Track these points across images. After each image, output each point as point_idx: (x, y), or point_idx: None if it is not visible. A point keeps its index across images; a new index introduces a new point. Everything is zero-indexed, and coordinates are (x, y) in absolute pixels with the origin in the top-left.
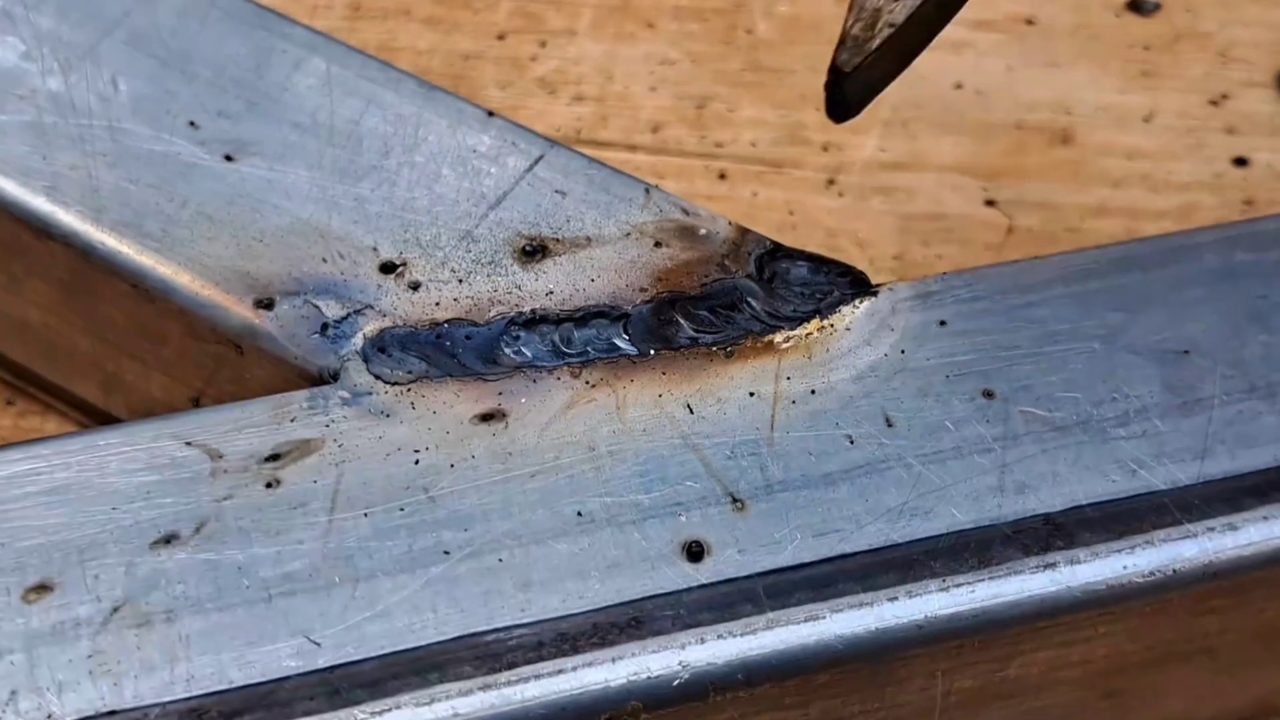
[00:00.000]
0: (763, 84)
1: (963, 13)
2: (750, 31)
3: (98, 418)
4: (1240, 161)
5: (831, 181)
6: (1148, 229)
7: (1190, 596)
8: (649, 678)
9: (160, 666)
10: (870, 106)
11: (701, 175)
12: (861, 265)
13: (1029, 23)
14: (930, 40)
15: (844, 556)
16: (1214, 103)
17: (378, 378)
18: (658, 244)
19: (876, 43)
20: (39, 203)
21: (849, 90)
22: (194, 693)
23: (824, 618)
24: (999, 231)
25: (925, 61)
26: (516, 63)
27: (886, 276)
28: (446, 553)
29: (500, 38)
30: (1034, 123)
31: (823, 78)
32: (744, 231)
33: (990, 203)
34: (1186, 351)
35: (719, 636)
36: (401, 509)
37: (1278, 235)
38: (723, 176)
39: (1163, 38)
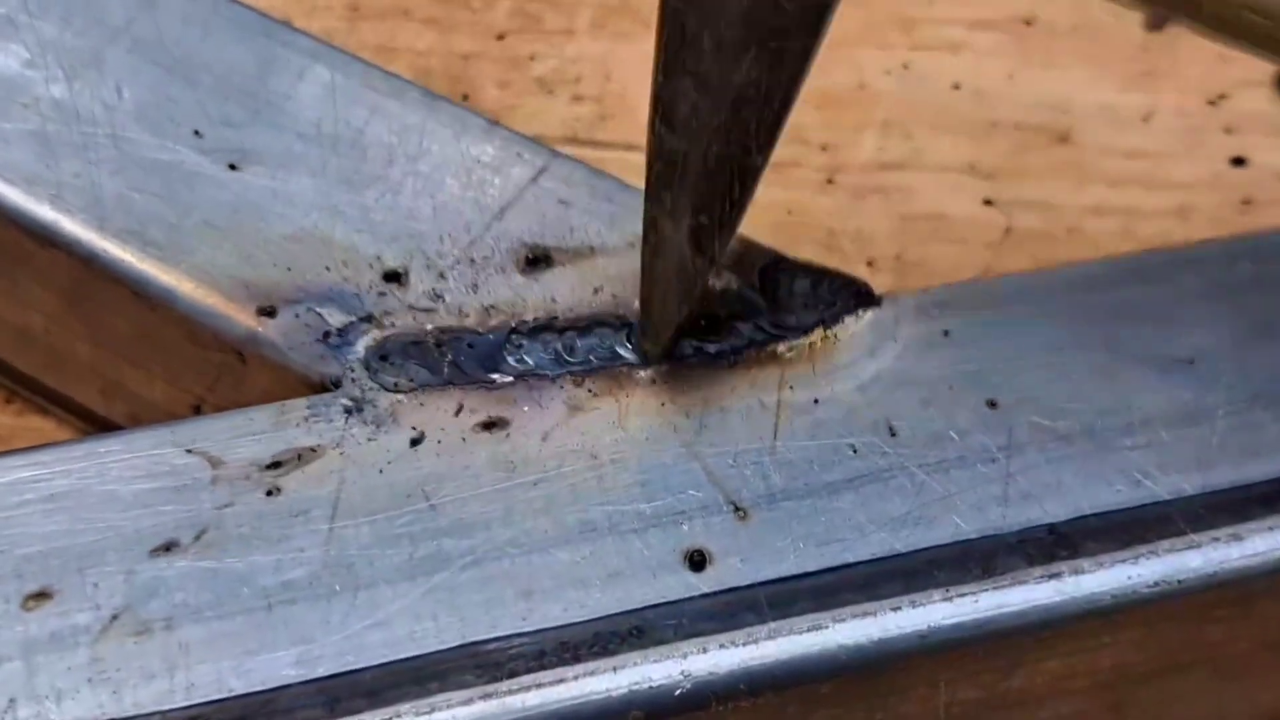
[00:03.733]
0: None
1: (961, 12)
2: None
3: (98, 425)
4: (1238, 161)
5: (830, 181)
6: (1146, 228)
7: (1195, 607)
8: (651, 687)
9: (159, 674)
10: (868, 107)
11: None
12: (860, 265)
13: (1028, 23)
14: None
15: (847, 566)
16: (1212, 102)
17: (380, 386)
18: None
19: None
20: (43, 210)
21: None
22: (193, 701)
23: (827, 627)
24: (997, 231)
25: (924, 61)
26: (515, 62)
27: (885, 276)
28: (448, 561)
29: (499, 38)
30: (1033, 122)
31: (823, 77)
32: (747, 242)
33: (989, 202)
34: (1191, 362)
35: (721, 646)
36: (403, 517)
37: None
38: None
39: (1161, 37)
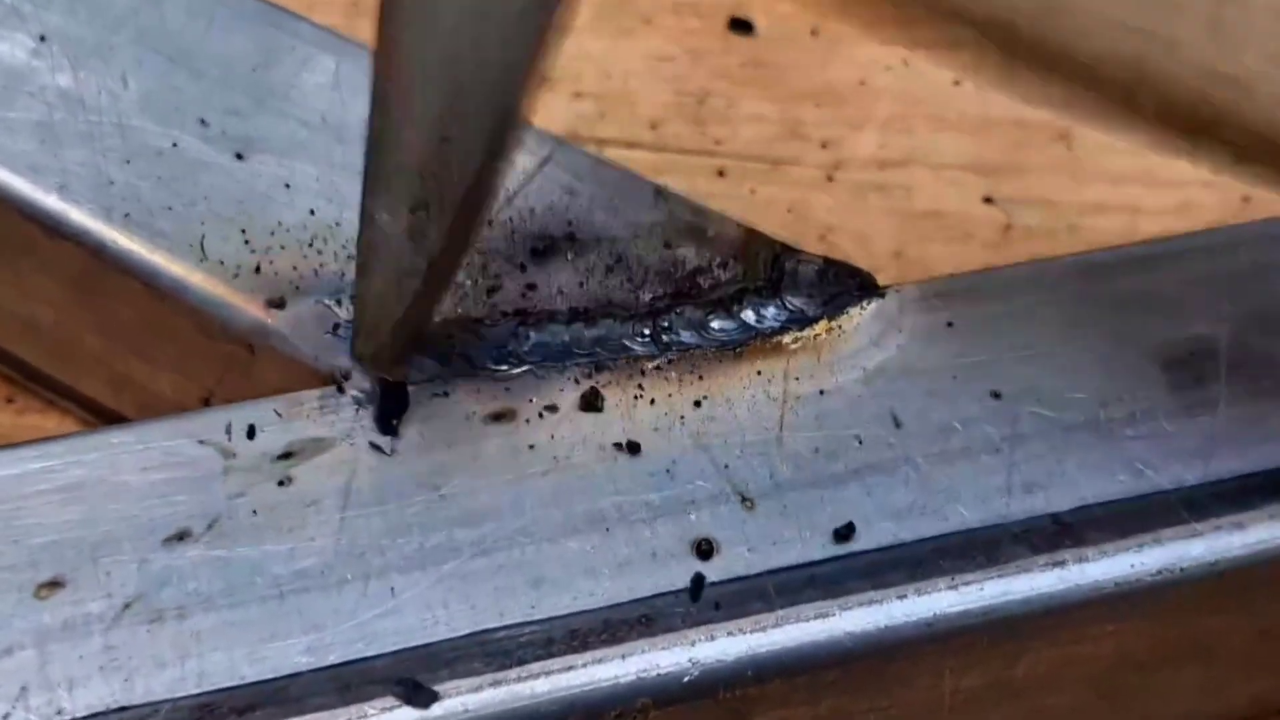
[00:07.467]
0: (762, 80)
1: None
2: (749, 27)
3: (106, 417)
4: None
5: (830, 178)
6: (1147, 226)
7: (1197, 595)
8: (659, 674)
9: (172, 662)
10: (869, 104)
11: (700, 172)
12: (860, 262)
13: None
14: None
15: (853, 555)
16: None
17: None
18: (667, 244)
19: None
20: (49, 200)
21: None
22: (205, 689)
23: (833, 615)
24: (997, 229)
25: (924, 58)
26: None
27: (885, 274)
28: (458, 550)
29: None
30: (1033, 119)
31: (823, 74)
32: (752, 233)
33: (989, 200)
34: (1193, 353)
35: (729, 634)
36: (413, 507)
37: None
38: (721, 174)
39: None
